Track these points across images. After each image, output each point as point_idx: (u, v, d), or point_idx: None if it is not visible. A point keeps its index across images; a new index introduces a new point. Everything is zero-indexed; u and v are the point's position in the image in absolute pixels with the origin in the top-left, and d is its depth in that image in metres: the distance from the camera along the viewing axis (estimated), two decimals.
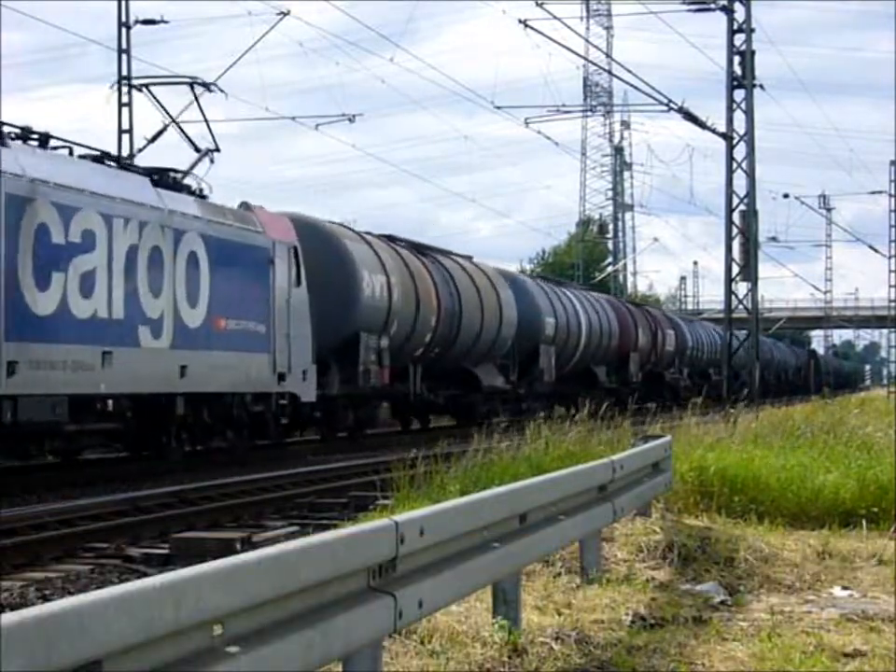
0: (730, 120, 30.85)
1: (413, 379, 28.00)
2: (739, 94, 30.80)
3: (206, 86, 21.94)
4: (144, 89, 22.14)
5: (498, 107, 35.56)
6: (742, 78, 30.63)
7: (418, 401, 28.98)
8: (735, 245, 31.27)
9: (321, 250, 23.83)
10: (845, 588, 9.32)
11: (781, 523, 11.87)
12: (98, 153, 17.81)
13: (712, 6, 30.79)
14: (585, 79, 79.62)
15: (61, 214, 15.64)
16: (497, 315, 32.24)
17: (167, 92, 22.08)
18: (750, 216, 31.24)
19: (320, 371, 22.62)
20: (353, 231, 27.02)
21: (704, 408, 19.26)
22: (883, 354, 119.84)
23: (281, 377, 20.72)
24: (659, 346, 48.58)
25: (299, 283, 21.54)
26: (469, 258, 34.05)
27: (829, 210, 74.57)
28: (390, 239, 28.77)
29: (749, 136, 30.96)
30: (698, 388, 49.68)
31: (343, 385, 24.21)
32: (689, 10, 31.18)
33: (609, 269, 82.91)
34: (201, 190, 20.06)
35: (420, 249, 30.38)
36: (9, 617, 3.19)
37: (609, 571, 9.44)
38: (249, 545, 10.81)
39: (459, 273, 31.29)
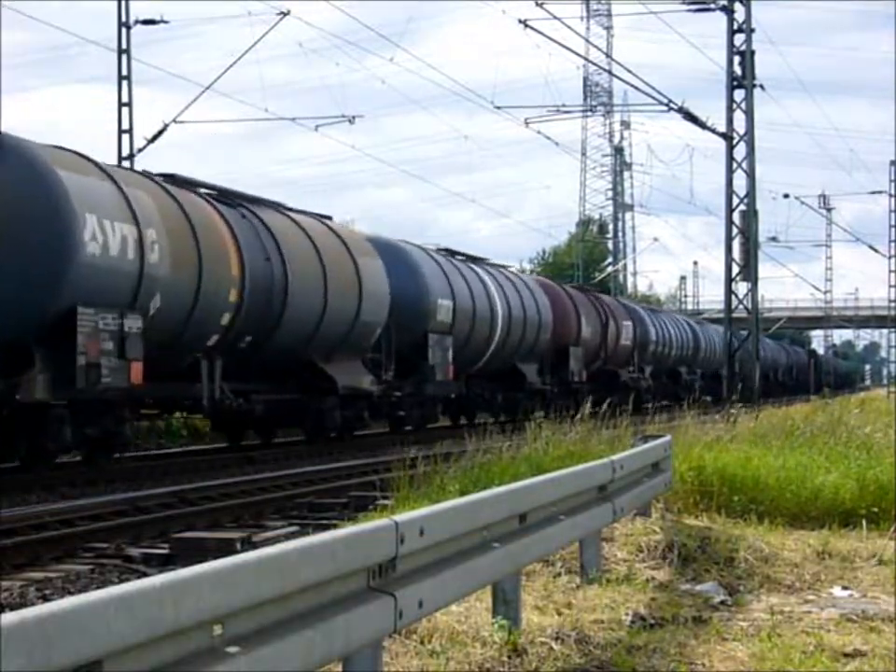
0: (730, 120, 30.89)
1: (206, 378, 19.88)
2: (739, 94, 30.86)
3: None
4: None
5: (498, 107, 35.72)
6: (742, 78, 30.67)
7: (217, 409, 20.84)
8: (735, 244, 31.31)
9: (10, 181, 16.15)
10: (845, 588, 9.32)
11: (781, 523, 11.87)
12: None
13: (712, 6, 30.85)
14: (585, 79, 79.77)
15: None
16: (353, 290, 23.89)
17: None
18: (750, 216, 31.28)
19: (19, 367, 15.82)
20: (88, 159, 17.79)
21: (702, 410, 19.22)
22: (883, 354, 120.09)
23: None
24: (611, 340, 41.12)
25: None
26: (328, 218, 25.65)
27: (829, 210, 74.70)
28: (173, 180, 20.08)
29: (749, 136, 30.99)
30: (664, 390, 45.10)
31: (55, 388, 16.24)
32: (689, 10, 31.29)
33: (609, 269, 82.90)
34: None
35: (224, 198, 21.67)
36: (9, 617, 3.19)
37: (609, 571, 9.44)
38: (249, 545, 10.82)
39: (288, 231, 22.41)
